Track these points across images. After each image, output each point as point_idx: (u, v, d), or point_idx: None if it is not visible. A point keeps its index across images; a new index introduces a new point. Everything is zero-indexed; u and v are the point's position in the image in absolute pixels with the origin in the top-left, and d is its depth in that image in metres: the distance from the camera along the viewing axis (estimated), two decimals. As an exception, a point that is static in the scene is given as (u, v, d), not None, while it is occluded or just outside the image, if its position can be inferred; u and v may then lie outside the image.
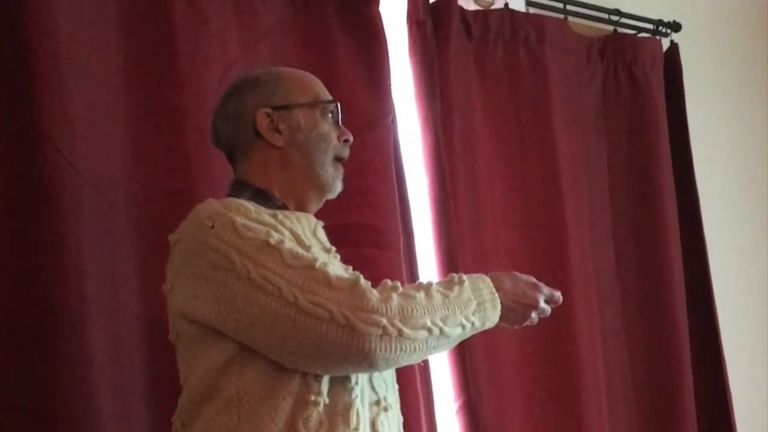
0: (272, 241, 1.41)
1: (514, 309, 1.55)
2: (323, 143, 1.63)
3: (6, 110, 1.82)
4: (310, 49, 2.27)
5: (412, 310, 1.41)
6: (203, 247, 1.43)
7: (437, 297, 1.45)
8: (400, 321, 1.39)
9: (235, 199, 1.51)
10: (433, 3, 2.53)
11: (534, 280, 1.59)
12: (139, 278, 1.92)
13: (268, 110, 1.62)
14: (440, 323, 1.43)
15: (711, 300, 3.03)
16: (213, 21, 2.10)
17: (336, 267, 1.56)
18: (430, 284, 1.48)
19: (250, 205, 1.48)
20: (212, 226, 1.43)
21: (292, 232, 1.49)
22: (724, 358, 3.01)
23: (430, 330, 1.42)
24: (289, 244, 1.44)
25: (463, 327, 1.48)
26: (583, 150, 2.82)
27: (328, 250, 1.60)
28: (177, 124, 2.01)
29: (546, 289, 1.59)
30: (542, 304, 1.58)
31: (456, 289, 1.48)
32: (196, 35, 2.07)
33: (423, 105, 2.46)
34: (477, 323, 1.50)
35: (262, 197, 1.59)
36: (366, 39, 2.33)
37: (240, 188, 1.62)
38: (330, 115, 1.66)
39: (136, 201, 1.95)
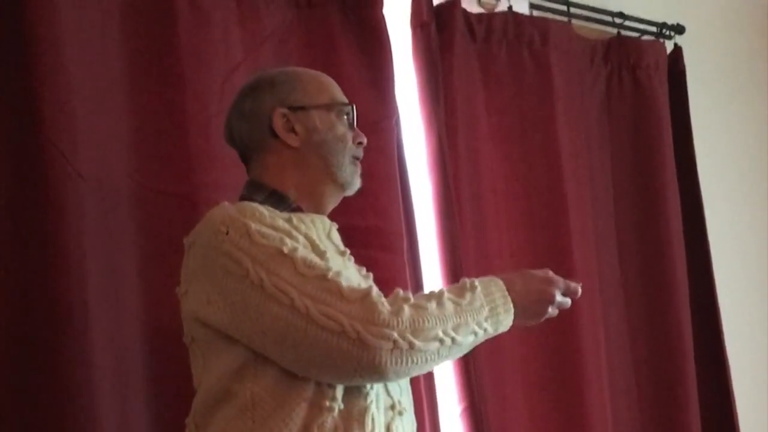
0: (286, 249, 1.41)
1: (528, 307, 1.53)
2: (340, 144, 1.63)
3: (8, 112, 1.81)
4: (313, 51, 2.26)
5: (424, 321, 1.40)
6: (217, 253, 1.43)
7: (449, 306, 1.44)
8: (411, 334, 1.38)
9: (250, 204, 1.50)
10: (437, 5, 2.53)
11: (550, 274, 1.57)
12: (141, 280, 1.91)
13: (285, 110, 1.62)
14: (452, 333, 1.43)
15: (714, 303, 3.02)
16: (216, 23, 2.10)
17: (351, 271, 1.57)
18: (441, 293, 1.46)
19: (264, 210, 1.48)
20: (227, 232, 1.43)
21: (306, 236, 1.48)
22: (727, 362, 3.00)
23: (441, 341, 1.41)
24: (303, 251, 1.43)
25: (476, 334, 1.47)
26: (587, 152, 2.81)
27: (342, 253, 1.60)
28: (180, 126, 2.00)
29: (562, 282, 1.57)
30: (559, 297, 1.56)
31: (468, 295, 1.47)
32: (199, 37, 2.06)
33: (427, 107, 2.45)
34: (490, 329, 1.49)
35: (277, 199, 1.59)
36: (370, 41, 2.32)
37: (255, 190, 1.61)
38: (345, 117, 1.66)
39: (139, 203, 1.94)
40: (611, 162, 2.93)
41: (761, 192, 3.46)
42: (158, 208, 1.95)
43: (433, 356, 1.42)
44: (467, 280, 1.50)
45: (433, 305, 1.43)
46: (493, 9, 2.71)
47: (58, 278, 1.78)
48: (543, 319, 1.58)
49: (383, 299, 1.41)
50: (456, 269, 2.39)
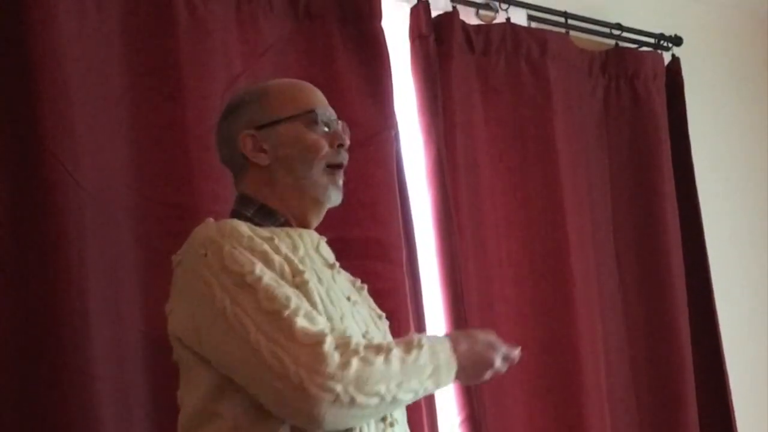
0: (250, 279, 1.40)
1: (469, 368, 1.54)
2: (309, 154, 1.58)
3: (9, 125, 1.82)
4: (312, 64, 2.27)
5: (368, 377, 1.39)
6: (195, 275, 1.44)
7: (395, 363, 1.42)
8: (355, 388, 1.37)
9: (232, 222, 1.50)
10: (435, 17, 2.54)
11: (493, 338, 1.59)
12: (141, 292, 1.91)
13: (251, 131, 1.60)
14: (395, 390, 1.42)
15: (713, 309, 3.03)
16: (216, 35, 2.10)
17: (339, 284, 1.56)
18: (390, 348, 1.44)
19: (245, 229, 1.47)
20: (205, 254, 1.43)
21: (286, 257, 1.47)
22: (725, 366, 3.01)
23: (383, 397, 1.41)
24: (269, 281, 1.41)
25: (416, 393, 1.47)
26: (585, 163, 2.82)
27: (331, 266, 1.60)
28: (180, 139, 2.01)
29: (504, 349, 1.59)
30: (498, 364, 1.58)
31: (414, 353, 1.45)
32: (199, 49, 2.07)
33: (425, 118, 2.46)
34: (430, 387, 1.49)
35: (266, 213, 1.59)
36: (369, 53, 2.33)
37: (245, 204, 1.61)
38: (317, 124, 1.61)
39: (138, 215, 1.95)
40: (609, 172, 2.94)
41: (759, 201, 3.47)
42: (158, 218, 1.96)
43: (371, 411, 1.42)
44: (416, 336, 1.50)
45: (380, 360, 1.41)
46: (492, 20, 2.72)
47: (58, 288, 1.78)
48: (477, 383, 1.62)
49: (334, 348, 1.38)
50: (455, 279, 2.40)
